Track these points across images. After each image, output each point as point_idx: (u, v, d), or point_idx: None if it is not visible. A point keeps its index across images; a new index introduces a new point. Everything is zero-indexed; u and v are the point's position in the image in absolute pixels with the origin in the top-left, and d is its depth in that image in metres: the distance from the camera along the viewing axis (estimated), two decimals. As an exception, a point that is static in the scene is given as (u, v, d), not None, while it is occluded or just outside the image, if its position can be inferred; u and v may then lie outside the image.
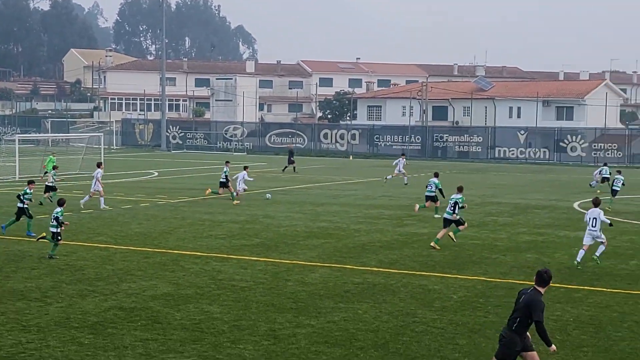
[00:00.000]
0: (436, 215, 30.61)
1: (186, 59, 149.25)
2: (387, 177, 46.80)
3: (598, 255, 21.13)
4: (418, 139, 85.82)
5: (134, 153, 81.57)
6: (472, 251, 23.08)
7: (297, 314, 15.48)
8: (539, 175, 58.67)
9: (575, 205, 36.34)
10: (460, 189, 24.53)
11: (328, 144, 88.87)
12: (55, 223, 21.14)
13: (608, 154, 77.64)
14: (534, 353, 10.93)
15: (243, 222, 28.57)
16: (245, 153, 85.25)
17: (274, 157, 79.87)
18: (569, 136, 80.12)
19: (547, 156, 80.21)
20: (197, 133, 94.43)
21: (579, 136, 79.93)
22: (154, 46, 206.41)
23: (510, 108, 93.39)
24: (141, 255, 21.69)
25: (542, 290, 10.93)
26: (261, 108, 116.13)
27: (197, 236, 25.19)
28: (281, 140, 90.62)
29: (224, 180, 36.02)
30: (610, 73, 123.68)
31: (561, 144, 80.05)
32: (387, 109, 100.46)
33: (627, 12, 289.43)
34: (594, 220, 21.03)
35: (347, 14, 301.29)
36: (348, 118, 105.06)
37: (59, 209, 21.56)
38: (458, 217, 23.83)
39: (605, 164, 47.38)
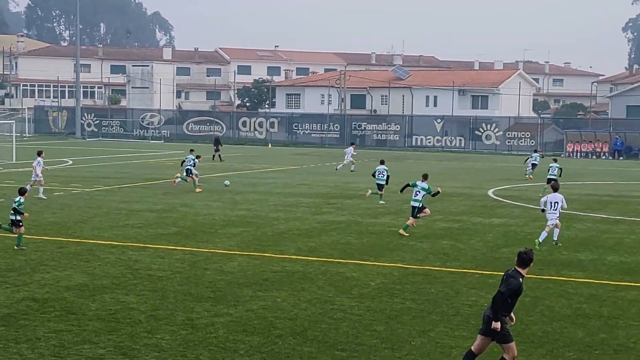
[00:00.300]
0: (381, 202, 31.68)
1: (101, 46, 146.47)
2: (338, 167, 47.84)
3: (546, 234, 22.32)
4: (337, 127, 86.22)
5: (48, 141, 79.74)
6: (389, 238, 23.31)
7: (215, 303, 15.39)
8: (455, 163, 59.63)
9: (490, 192, 37.02)
10: (425, 177, 25.02)
11: (247, 132, 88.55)
12: (12, 212, 21.11)
13: (521, 142, 79.47)
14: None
15: (160, 211, 28.25)
16: (162, 141, 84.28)
17: (192, 145, 79.15)
18: (484, 124, 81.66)
19: (462, 144, 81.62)
20: (112, 121, 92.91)
21: (494, 125, 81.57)
22: (67, 32, 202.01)
23: (427, 97, 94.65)
24: (55, 245, 21.25)
25: (522, 271, 10.94)
26: (179, 95, 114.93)
27: (112, 225, 24.80)
28: (199, 128, 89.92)
29: (191, 167, 36.24)
30: (523, 63, 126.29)
31: (476, 132, 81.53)
32: (306, 97, 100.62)
33: (540, 3, 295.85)
34: (555, 204, 22.17)
35: (265, 1, 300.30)
36: (267, 106, 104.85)
37: (19, 198, 21.41)
38: (421, 204, 24.30)
39: (535, 151, 48.84)
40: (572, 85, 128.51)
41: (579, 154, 75.00)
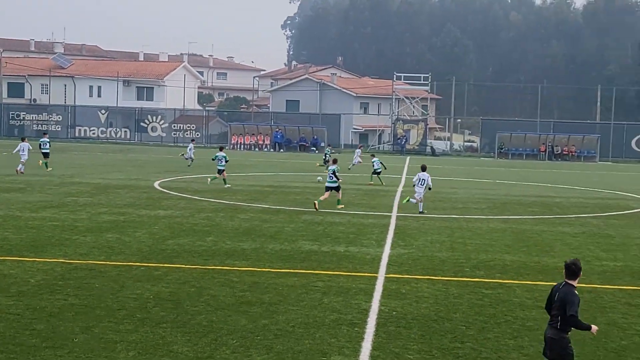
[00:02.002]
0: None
1: None
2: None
3: (414, 201, 28.68)
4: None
5: None
6: (51, 233, 22.41)
7: None
8: (120, 155, 58.88)
9: (156, 184, 36.99)
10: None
11: None
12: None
13: (187, 134, 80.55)
14: None
15: None
16: None
17: None
18: (149, 116, 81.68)
19: (128, 136, 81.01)
20: None
21: (159, 116, 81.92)
22: None
23: (91, 87, 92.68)
24: None
25: (574, 283, 10.14)
26: None
27: None
28: None
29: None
30: (188, 56, 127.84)
31: (142, 124, 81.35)
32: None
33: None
34: (423, 180, 28.57)
35: None
36: None
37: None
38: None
39: (328, 145, 56.09)
40: (236, 79, 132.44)
41: (242, 146, 77.53)
